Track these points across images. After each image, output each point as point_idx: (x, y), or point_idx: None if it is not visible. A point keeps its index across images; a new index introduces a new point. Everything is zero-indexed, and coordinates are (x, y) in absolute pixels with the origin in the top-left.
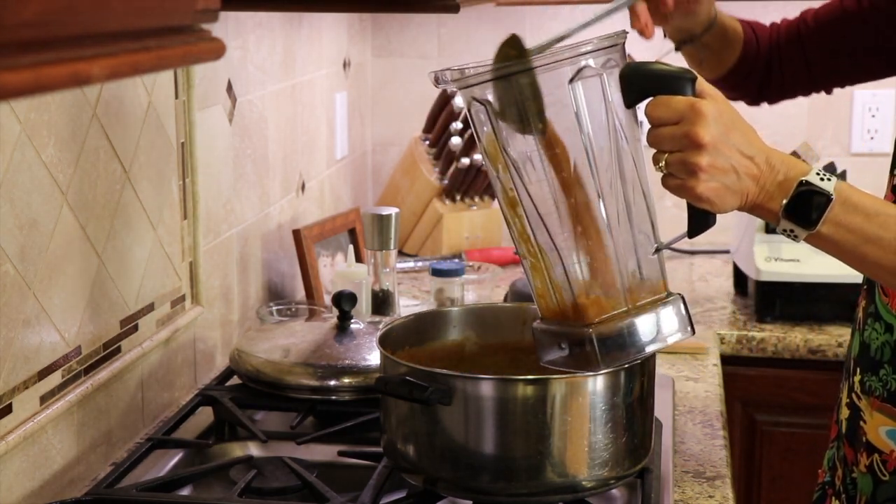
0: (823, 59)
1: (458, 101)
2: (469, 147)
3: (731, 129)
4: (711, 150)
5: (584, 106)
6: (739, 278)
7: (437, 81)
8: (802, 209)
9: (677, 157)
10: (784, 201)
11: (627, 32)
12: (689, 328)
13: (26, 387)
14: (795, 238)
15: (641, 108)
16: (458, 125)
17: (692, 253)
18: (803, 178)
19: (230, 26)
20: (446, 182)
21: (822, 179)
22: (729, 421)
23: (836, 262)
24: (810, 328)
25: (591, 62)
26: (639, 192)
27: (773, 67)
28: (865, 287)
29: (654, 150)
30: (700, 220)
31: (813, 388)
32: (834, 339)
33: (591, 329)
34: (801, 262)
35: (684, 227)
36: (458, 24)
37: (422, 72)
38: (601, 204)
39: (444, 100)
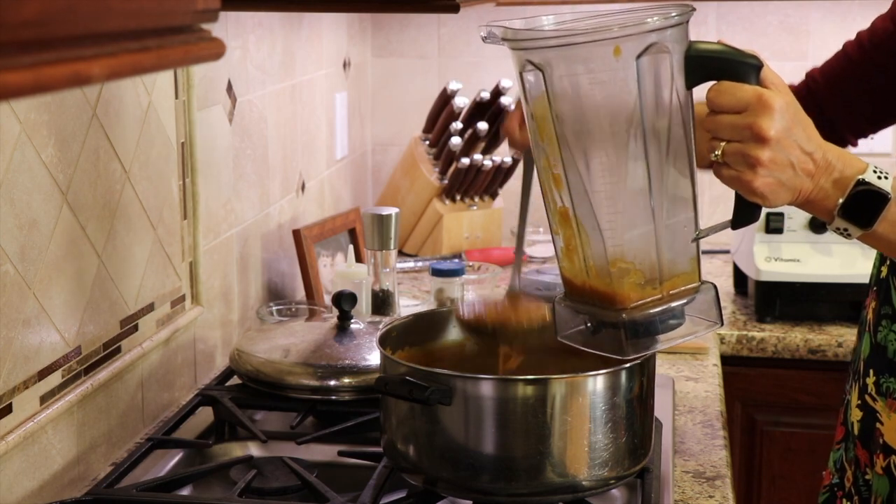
0: (842, 111)
1: (459, 101)
2: (469, 147)
3: (794, 123)
4: (774, 144)
5: (648, 83)
6: (739, 278)
7: (486, 37)
8: (859, 209)
9: (736, 148)
10: (840, 200)
11: (695, 8)
12: (719, 319)
13: (26, 387)
14: (848, 236)
15: (698, 89)
16: (458, 125)
17: None
18: (861, 177)
19: (230, 26)
20: (446, 182)
21: (879, 178)
22: (729, 421)
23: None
24: (810, 328)
25: (657, 38)
26: (687, 176)
27: None
28: (875, 288)
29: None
30: (747, 212)
31: (813, 388)
32: (834, 339)
33: (625, 314)
34: (801, 262)
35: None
36: (458, 24)
37: (422, 72)
38: (650, 184)
39: (444, 100)
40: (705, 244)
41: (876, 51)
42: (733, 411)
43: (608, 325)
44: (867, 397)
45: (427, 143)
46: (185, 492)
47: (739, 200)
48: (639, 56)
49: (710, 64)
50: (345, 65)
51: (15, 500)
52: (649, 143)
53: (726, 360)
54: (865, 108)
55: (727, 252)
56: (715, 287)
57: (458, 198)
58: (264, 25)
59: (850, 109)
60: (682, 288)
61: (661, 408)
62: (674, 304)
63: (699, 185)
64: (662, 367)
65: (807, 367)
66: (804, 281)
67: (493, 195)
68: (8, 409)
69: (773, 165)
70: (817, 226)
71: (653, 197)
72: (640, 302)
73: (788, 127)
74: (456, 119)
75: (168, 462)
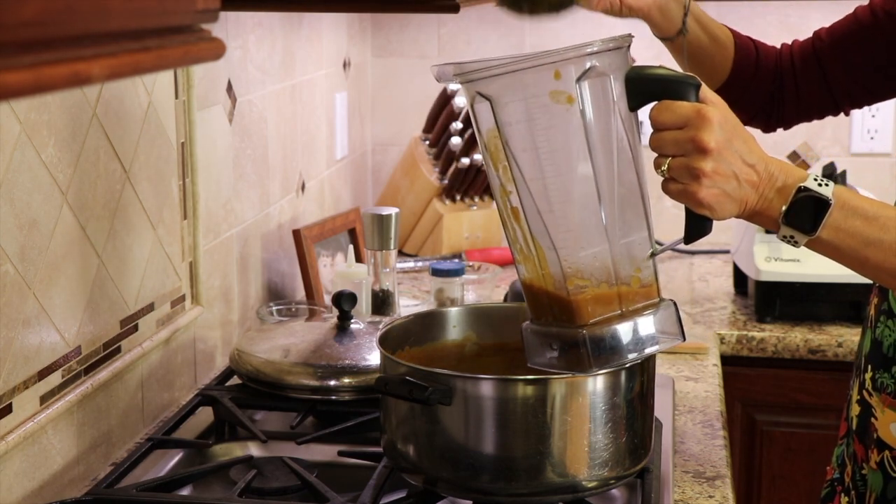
0: (843, 76)
1: (459, 101)
2: (469, 147)
3: (734, 136)
4: (716, 155)
5: (589, 106)
6: (739, 278)
7: (439, 77)
8: (802, 215)
9: (681, 162)
10: (783, 208)
11: (633, 36)
12: (680, 334)
13: (26, 387)
14: (796, 244)
15: (641, 111)
16: (458, 125)
17: (692, 253)
18: (802, 184)
19: (230, 26)
20: (446, 182)
21: (820, 185)
22: (729, 421)
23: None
24: (810, 328)
25: (596, 62)
26: (637, 194)
27: (786, 88)
28: (877, 285)
29: (653, 154)
30: (698, 225)
31: (813, 388)
32: (834, 339)
33: (585, 330)
34: (802, 262)
35: (683, 229)
36: (458, 24)
37: (422, 72)
38: (600, 205)
39: (444, 100)
40: (706, 244)
41: (889, 20)
42: (733, 411)
43: (571, 344)
44: (865, 392)
45: (427, 143)
46: (185, 492)
47: (690, 214)
48: (578, 79)
49: (649, 85)
50: (345, 65)
51: (15, 500)
52: (596, 165)
53: (726, 360)
54: (868, 78)
55: (727, 252)
56: (674, 303)
57: (458, 198)
58: (264, 25)
59: (852, 76)
60: (642, 304)
61: (661, 408)
62: (634, 320)
63: (664, 197)
64: (662, 367)
65: (807, 367)
66: (804, 281)
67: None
68: (8, 409)
69: (716, 176)
70: None
71: (605, 215)
72: (600, 318)
73: (729, 139)
74: (456, 119)
75: (168, 462)
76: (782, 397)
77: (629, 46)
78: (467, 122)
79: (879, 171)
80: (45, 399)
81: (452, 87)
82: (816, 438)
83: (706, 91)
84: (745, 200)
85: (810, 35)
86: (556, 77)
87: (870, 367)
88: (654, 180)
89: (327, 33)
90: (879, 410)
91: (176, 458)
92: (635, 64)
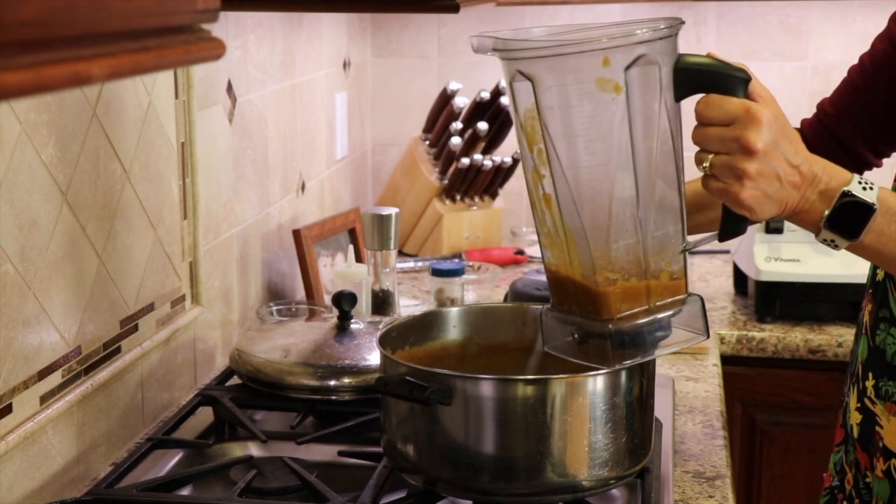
0: (859, 138)
1: (459, 102)
2: (469, 147)
3: (781, 136)
4: (762, 157)
5: (637, 95)
6: (739, 278)
7: (477, 48)
8: (845, 220)
9: (724, 160)
10: (826, 212)
11: (683, 21)
12: (705, 331)
13: (26, 387)
14: (836, 247)
15: (685, 101)
16: (458, 125)
17: (692, 253)
18: (846, 189)
19: (230, 26)
20: (446, 182)
21: (864, 189)
22: (729, 421)
23: (837, 262)
24: (810, 328)
25: (646, 51)
26: (675, 187)
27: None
28: (871, 291)
29: (695, 148)
30: (735, 224)
31: (813, 388)
32: (834, 339)
33: (612, 324)
34: (801, 262)
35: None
36: (458, 24)
37: (422, 72)
38: (637, 196)
39: (444, 100)
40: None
41: (877, 73)
42: (733, 411)
43: (595, 335)
44: (866, 401)
45: (427, 143)
46: (185, 492)
47: (727, 212)
48: (627, 67)
49: (698, 77)
50: (345, 65)
51: (15, 500)
52: (637, 155)
53: (726, 360)
54: (877, 131)
55: (727, 252)
56: (701, 299)
57: (458, 198)
58: (264, 25)
59: (863, 134)
60: (669, 300)
61: (661, 408)
62: (660, 316)
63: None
64: (662, 367)
65: (807, 367)
66: (804, 281)
67: (493, 195)
68: (8, 409)
69: (760, 178)
70: None
71: (640, 208)
72: (627, 312)
73: (776, 139)
74: (456, 119)
75: (168, 462)
76: (782, 397)
77: (678, 32)
78: (467, 123)
79: (879, 171)
80: (45, 399)
81: (452, 86)
82: (816, 438)
83: (756, 85)
84: (787, 202)
85: (815, 110)
86: (605, 64)
87: (870, 374)
88: (687, 168)
89: (327, 33)
90: (885, 419)
91: (176, 458)
92: (682, 53)
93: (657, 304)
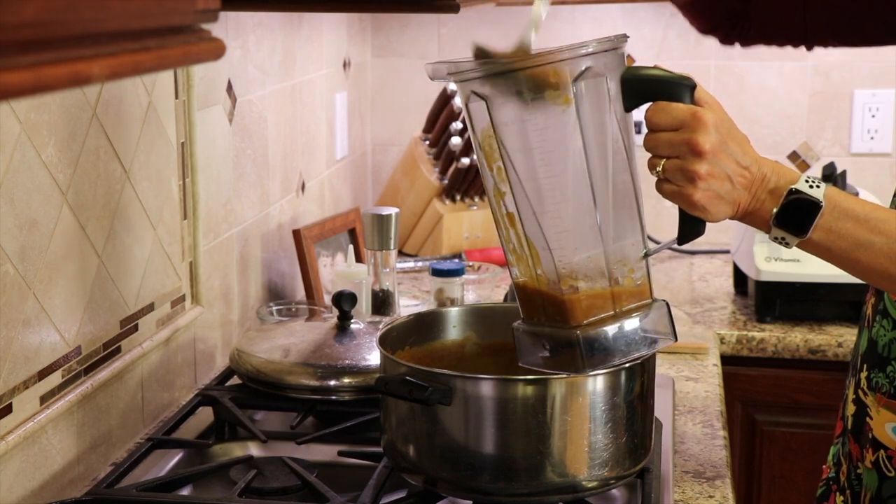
0: (823, 13)
1: (458, 101)
2: (469, 147)
3: (728, 138)
4: (710, 158)
5: (586, 106)
6: (739, 278)
7: (433, 75)
8: (793, 217)
9: (675, 164)
10: (775, 210)
11: (628, 36)
12: (672, 334)
13: (26, 387)
14: (787, 245)
15: (635, 111)
16: (458, 125)
17: (692, 253)
18: (793, 187)
19: (230, 26)
20: (446, 182)
21: (811, 186)
22: (729, 421)
23: None
24: (810, 328)
25: (592, 63)
26: (631, 195)
27: (758, 2)
28: None
29: (647, 154)
30: (691, 227)
31: (813, 388)
32: (834, 339)
33: (579, 331)
34: (801, 262)
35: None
36: (458, 24)
37: (422, 72)
38: (595, 206)
39: (444, 100)
40: (705, 244)
41: None
42: (733, 411)
43: (564, 344)
44: (860, 392)
45: (427, 143)
46: (185, 492)
47: (683, 216)
48: (575, 80)
49: (645, 86)
50: (345, 65)
51: (15, 500)
52: (591, 164)
53: (726, 360)
54: (846, 15)
55: (727, 252)
56: (667, 303)
57: (458, 198)
58: (264, 25)
59: (831, 6)
60: (635, 304)
61: (661, 408)
62: (627, 321)
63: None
64: (662, 367)
65: (807, 367)
66: (804, 281)
67: None
68: (8, 409)
69: (710, 178)
70: None
71: (599, 216)
72: (593, 318)
73: (723, 141)
74: (456, 119)
75: (168, 462)
76: (782, 397)
77: (624, 47)
78: None
79: (879, 171)
80: (45, 399)
81: (452, 86)
82: (816, 438)
83: (701, 92)
84: (739, 202)
85: None
86: (554, 77)
87: (865, 366)
88: (649, 180)
89: (327, 33)
90: (874, 410)
91: (176, 458)
92: (632, 64)
93: (623, 309)
